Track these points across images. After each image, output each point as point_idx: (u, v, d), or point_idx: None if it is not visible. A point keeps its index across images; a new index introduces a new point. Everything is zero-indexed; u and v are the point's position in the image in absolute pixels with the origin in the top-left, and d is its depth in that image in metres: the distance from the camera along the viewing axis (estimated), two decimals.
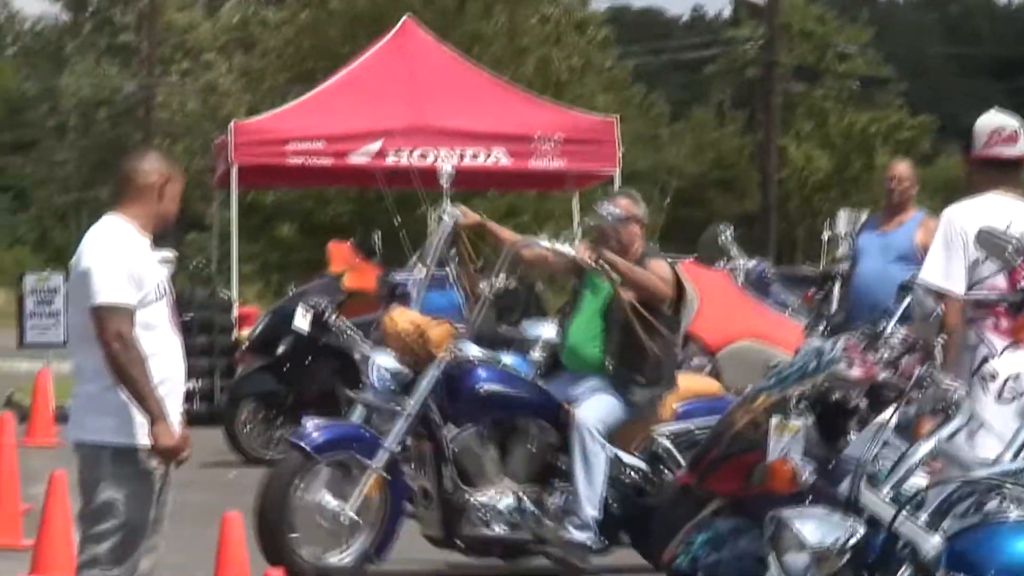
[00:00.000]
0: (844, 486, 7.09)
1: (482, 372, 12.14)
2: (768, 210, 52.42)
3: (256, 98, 49.02)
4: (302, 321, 19.86)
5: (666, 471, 12.10)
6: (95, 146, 69.55)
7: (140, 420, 8.64)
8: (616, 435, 12.05)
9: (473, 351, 12.36)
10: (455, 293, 14.79)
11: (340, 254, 23.80)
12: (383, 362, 11.95)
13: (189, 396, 11.99)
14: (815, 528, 6.82)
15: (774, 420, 7.56)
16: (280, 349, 20.25)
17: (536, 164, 27.30)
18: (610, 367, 12.05)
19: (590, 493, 11.67)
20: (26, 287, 28.03)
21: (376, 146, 25.92)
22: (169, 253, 20.27)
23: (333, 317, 19.70)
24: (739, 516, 7.89)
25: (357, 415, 12.11)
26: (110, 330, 8.48)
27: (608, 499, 11.95)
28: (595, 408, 11.84)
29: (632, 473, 12.23)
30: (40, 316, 27.32)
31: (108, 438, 8.71)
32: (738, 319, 19.40)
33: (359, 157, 26.29)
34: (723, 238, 23.24)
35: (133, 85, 67.48)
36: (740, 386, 12.95)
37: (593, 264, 11.98)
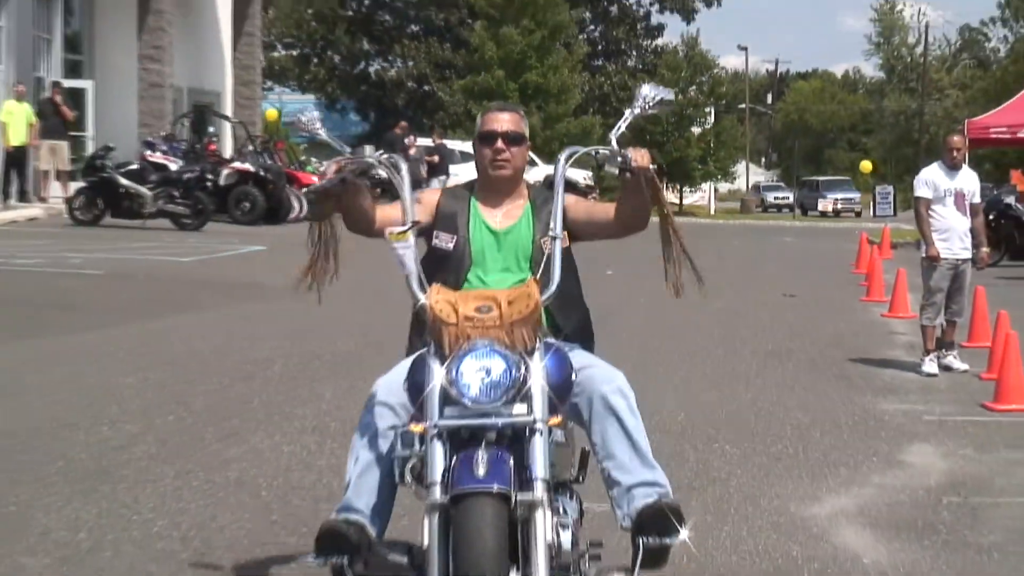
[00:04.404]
0: None
1: (567, 354, 4.38)
2: None
3: None
4: None
5: None
6: None
7: None
8: None
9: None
10: None
11: None
12: (489, 364, 4.06)
13: None
14: None
15: None
16: None
17: None
18: (566, 330, 4.69)
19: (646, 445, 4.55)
20: None
21: None
22: None
23: None
24: None
25: (439, 454, 4.00)
26: None
27: None
28: (610, 369, 4.62)
29: None
30: None
31: None
32: None
33: None
34: None
35: None
36: None
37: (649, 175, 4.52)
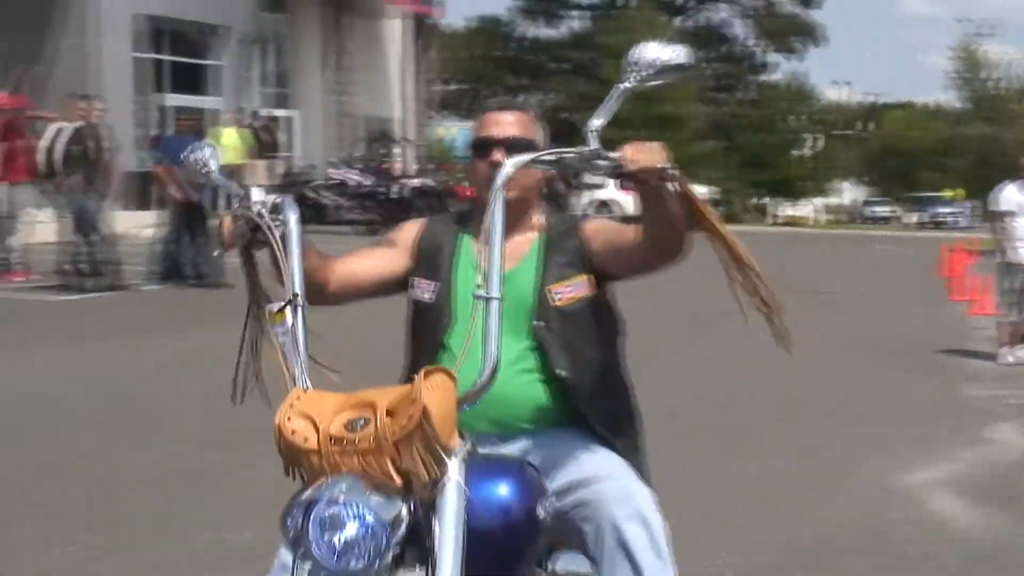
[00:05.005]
0: None
1: (535, 472, 2.31)
2: None
3: None
4: None
5: None
6: None
7: None
8: None
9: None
10: None
11: None
12: (344, 513, 1.92)
13: None
14: None
15: None
16: None
17: None
18: (592, 413, 2.65)
19: None
20: None
21: None
22: None
23: None
24: None
25: None
26: None
27: None
28: (631, 483, 2.58)
29: None
30: None
31: None
32: None
33: None
34: None
35: None
36: None
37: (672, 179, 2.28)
